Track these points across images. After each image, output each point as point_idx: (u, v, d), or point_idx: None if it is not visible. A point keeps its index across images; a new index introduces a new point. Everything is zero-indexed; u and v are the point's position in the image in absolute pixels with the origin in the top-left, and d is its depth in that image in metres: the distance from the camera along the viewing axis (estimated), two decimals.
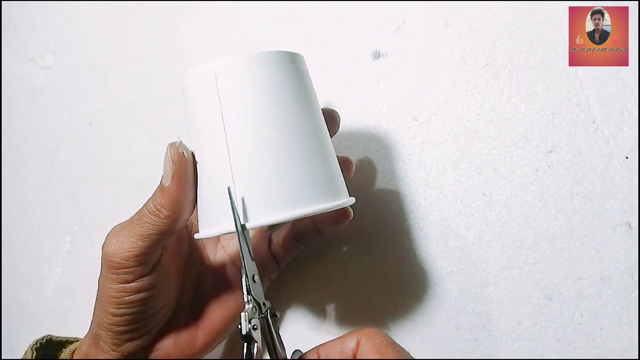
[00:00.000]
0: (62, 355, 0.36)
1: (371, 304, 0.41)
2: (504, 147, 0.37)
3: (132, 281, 0.31)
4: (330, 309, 0.42)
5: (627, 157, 0.35)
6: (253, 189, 0.28)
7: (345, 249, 0.42)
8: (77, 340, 0.38)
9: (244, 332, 0.27)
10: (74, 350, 0.36)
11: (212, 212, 0.30)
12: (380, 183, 0.41)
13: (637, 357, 0.34)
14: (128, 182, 0.52)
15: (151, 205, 0.31)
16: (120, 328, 0.32)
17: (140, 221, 0.31)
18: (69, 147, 0.55)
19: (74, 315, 0.53)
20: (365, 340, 0.27)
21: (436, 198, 0.39)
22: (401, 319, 0.40)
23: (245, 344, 0.27)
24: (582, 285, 0.35)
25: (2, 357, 0.56)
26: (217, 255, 0.39)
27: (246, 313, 0.27)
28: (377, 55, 0.42)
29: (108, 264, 0.31)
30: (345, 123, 0.42)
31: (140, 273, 0.31)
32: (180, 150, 0.30)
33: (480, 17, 0.39)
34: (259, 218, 0.28)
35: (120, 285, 0.31)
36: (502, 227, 0.37)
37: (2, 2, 0.62)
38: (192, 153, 0.31)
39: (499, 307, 0.37)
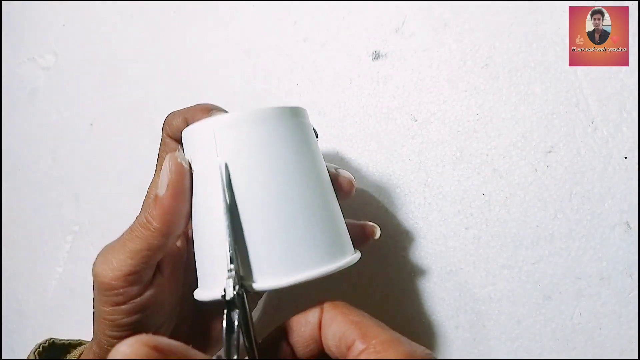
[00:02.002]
0: (70, 356, 0.36)
1: (370, 303, 0.41)
2: (503, 147, 0.38)
3: (124, 303, 0.30)
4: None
5: (625, 157, 0.35)
6: (253, 252, 0.27)
7: None
8: (80, 344, 0.37)
9: (228, 298, 0.26)
10: (80, 354, 0.36)
11: (209, 272, 0.29)
12: (380, 183, 0.41)
13: (636, 357, 0.34)
14: (129, 182, 0.52)
15: (142, 217, 0.30)
16: None
17: (131, 236, 0.30)
18: (70, 147, 0.56)
19: (75, 315, 0.53)
20: (328, 307, 0.26)
21: (435, 198, 0.39)
22: (401, 319, 0.40)
23: (226, 310, 0.26)
24: (581, 284, 0.35)
25: (2, 357, 0.56)
26: None
27: (232, 279, 0.26)
28: (377, 55, 0.42)
29: (98, 285, 0.30)
30: (345, 123, 0.42)
31: (131, 294, 0.30)
32: (178, 161, 0.29)
33: (480, 17, 0.39)
34: (259, 283, 0.27)
35: (112, 307, 0.30)
36: (501, 226, 0.37)
37: (3, 2, 0.62)
38: (190, 171, 0.30)
39: (498, 307, 0.37)
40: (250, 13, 0.48)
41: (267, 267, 0.27)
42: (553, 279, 0.36)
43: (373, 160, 0.41)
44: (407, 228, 0.40)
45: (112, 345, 0.30)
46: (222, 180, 0.27)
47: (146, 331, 0.31)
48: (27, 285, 0.56)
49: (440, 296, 0.38)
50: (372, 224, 0.35)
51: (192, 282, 0.36)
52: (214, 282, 0.28)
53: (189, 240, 0.35)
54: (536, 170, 0.37)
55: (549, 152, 0.36)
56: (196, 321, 0.36)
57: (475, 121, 0.38)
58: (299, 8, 0.46)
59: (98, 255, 0.31)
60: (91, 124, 0.54)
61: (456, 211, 0.38)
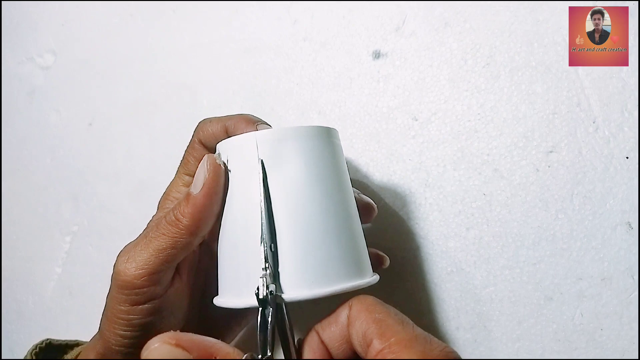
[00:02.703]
0: (67, 357, 0.36)
1: None
2: (504, 147, 0.37)
3: (143, 303, 0.30)
4: (330, 309, 0.42)
5: (627, 157, 0.35)
6: (287, 263, 0.27)
7: None
8: (77, 344, 0.37)
9: (261, 297, 0.26)
10: (78, 354, 0.36)
11: (239, 278, 0.29)
12: (381, 183, 0.41)
13: (637, 358, 0.34)
14: (128, 182, 0.51)
15: (171, 215, 0.30)
16: (130, 350, 0.31)
17: (157, 233, 0.30)
18: (69, 147, 0.55)
19: (74, 316, 0.53)
20: (355, 303, 0.27)
21: (436, 198, 0.39)
22: None
23: (260, 309, 0.26)
24: (583, 285, 0.35)
25: (2, 357, 0.56)
26: None
27: (264, 278, 0.27)
28: (377, 55, 0.42)
29: (118, 284, 0.30)
30: (346, 123, 0.42)
31: (152, 294, 0.30)
32: (217, 162, 0.30)
33: (481, 17, 0.39)
34: (292, 292, 0.27)
35: (130, 307, 0.30)
36: (503, 227, 0.37)
37: (2, 2, 0.62)
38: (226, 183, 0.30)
39: (500, 308, 0.37)
40: (249, 12, 0.48)
41: (297, 278, 0.27)
42: (554, 280, 0.36)
43: (373, 160, 0.41)
44: (408, 228, 0.40)
45: (122, 346, 0.30)
46: (261, 186, 0.28)
47: (159, 332, 0.31)
48: (26, 286, 0.56)
49: (441, 297, 0.38)
50: (382, 253, 0.36)
51: (202, 287, 0.36)
52: (245, 287, 0.28)
53: (202, 246, 0.35)
54: (537, 170, 0.37)
55: (551, 152, 0.36)
56: (200, 327, 0.36)
57: (476, 121, 0.38)
58: (298, 7, 0.45)
59: (120, 252, 0.31)
60: (90, 124, 0.54)
61: (457, 211, 0.38)
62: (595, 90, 0.36)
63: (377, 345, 0.24)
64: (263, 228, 0.28)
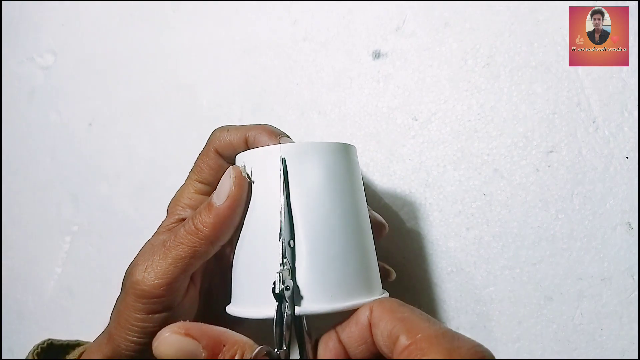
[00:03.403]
0: (69, 357, 0.35)
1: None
2: (504, 147, 0.37)
3: (161, 311, 0.30)
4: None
5: (627, 157, 0.35)
6: (305, 276, 0.28)
7: None
8: (79, 345, 0.37)
9: (277, 291, 0.27)
10: (82, 353, 0.35)
11: (256, 289, 0.29)
12: (381, 183, 0.41)
13: (637, 358, 0.34)
14: (127, 182, 0.51)
15: (191, 224, 0.30)
16: (140, 354, 0.31)
17: (176, 242, 0.30)
18: (69, 147, 0.55)
19: (74, 316, 0.53)
20: (376, 305, 0.27)
21: (436, 198, 0.39)
22: None
23: (277, 304, 0.27)
24: (583, 285, 0.35)
25: (2, 358, 0.56)
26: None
27: (280, 273, 0.27)
28: (377, 55, 0.42)
29: (137, 293, 0.29)
30: (346, 123, 0.42)
31: (169, 303, 0.30)
32: (242, 175, 0.30)
33: (481, 17, 0.39)
34: (309, 306, 0.27)
35: (146, 315, 0.29)
36: (503, 227, 0.37)
37: (2, 2, 0.62)
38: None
39: (500, 308, 0.37)
40: (249, 12, 0.48)
41: (310, 292, 0.28)
42: (554, 280, 0.36)
43: (373, 160, 0.41)
44: (408, 228, 0.39)
45: (134, 351, 0.30)
46: (283, 196, 0.29)
47: None
48: (25, 286, 0.56)
49: (441, 297, 0.38)
50: (388, 267, 0.36)
51: (208, 289, 0.36)
52: (262, 296, 0.28)
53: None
54: (537, 170, 0.37)
55: (551, 152, 0.36)
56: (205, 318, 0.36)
57: (477, 121, 0.38)
58: (298, 7, 0.45)
59: (137, 261, 0.31)
60: (90, 124, 0.54)
61: (457, 211, 0.38)
62: (595, 90, 0.36)
63: (403, 341, 0.24)
64: (282, 225, 0.28)
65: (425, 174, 0.39)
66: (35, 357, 0.35)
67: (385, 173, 0.41)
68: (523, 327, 0.36)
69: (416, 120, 0.40)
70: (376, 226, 0.34)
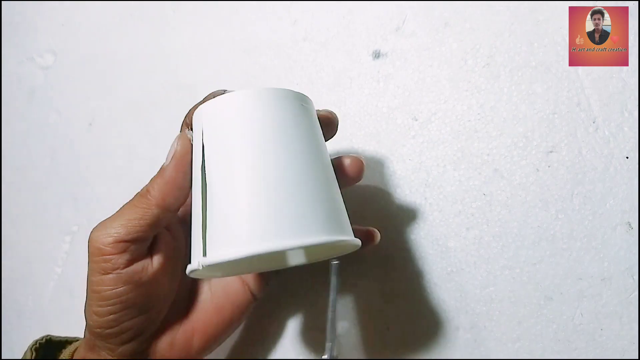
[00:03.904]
0: (62, 356, 0.36)
1: (371, 304, 0.41)
2: (504, 147, 0.37)
3: (110, 271, 0.30)
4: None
5: (627, 157, 0.35)
6: (243, 218, 0.27)
7: None
8: (77, 340, 0.37)
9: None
10: (74, 351, 0.36)
11: (193, 246, 0.29)
12: (380, 183, 0.41)
13: (637, 358, 0.34)
14: (127, 182, 0.51)
15: (144, 188, 0.31)
16: (108, 331, 0.31)
17: (129, 205, 0.31)
18: (69, 147, 0.55)
19: (74, 315, 0.53)
20: None
21: (436, 198, 0.39)
22: (401, 320, 0.39)
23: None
24: (583, 285, 0.35)
25: (2, 357, 0.56)
26: None
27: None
28: (377, 55, 0.42)
29: (90, 251, 0.31)
30: (346, 123, 0.42)
31: (118, 263, 0.30)
32: (187, 136, 0.31)
33: (481, 16, 0.39)
34: (210, 256, 0.27)
35: (99, 276, 0.30)
36: (503, 227, 0.37)
37: (2, 2, 0.62)
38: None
39: (500, 308, 0.37)
40: (249, 12, 0.48)
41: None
42: (554, 280, 0.36)
43: (373, 160, 0.41)
44: (408, 228, 0.39)
45: (99, 326, 0.31)
46: (201, 150, 0.29)
47: (133, 313, 0.31)
48: (25, 286, 0.56)
49: (441, 297, 0.38)
50: (372, 228, 0.35)
51: (186, 275, 0.36)
52: (197, 249, 0.28)
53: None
54: (537, 170, 0.37)
55: (551, 152, 0.36)
56: (189, 314, 0.36)
57: (477, 121, 0.38)
58: (298, 7, 0.45)
59: (96, 225, 0.32)
60: (90, 124, 0.54)
61: (457, 211, 0.38)
62: (596, 90, 0.36)
63: None
64: (202, 179, 0.28)
65: (425, 174, 0.39)
66: (34, 352, 0.35)
67: (385, 173, 0.41)
68: (523, 327, 0.36)
69: (416, 120, 0.40)
70: (347, 166, 0.34)
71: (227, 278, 0.37)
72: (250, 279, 0.37)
